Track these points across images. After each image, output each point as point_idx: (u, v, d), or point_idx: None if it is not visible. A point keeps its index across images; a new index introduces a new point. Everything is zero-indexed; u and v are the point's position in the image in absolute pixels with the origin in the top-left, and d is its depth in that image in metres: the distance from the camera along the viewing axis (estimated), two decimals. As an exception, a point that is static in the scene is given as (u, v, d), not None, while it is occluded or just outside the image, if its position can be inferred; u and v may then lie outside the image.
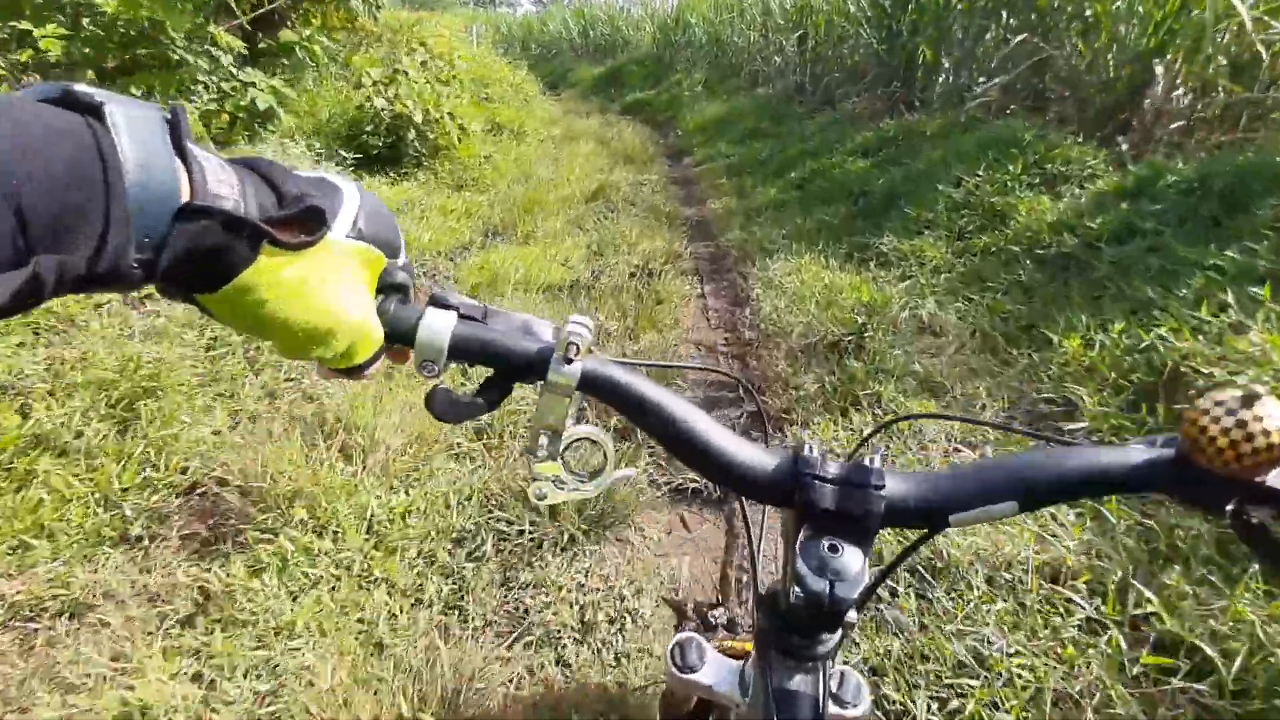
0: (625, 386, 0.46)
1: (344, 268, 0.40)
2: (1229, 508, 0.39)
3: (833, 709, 0.52)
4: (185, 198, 0.31)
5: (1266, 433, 0.36)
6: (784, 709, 0.44)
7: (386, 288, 0.45)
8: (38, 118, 0.27)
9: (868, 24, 7.16)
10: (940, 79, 6.32)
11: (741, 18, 11.89)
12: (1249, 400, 0.37)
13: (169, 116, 0.32)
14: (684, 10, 14.27)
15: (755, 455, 0.46)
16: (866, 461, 0.44)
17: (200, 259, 0.33)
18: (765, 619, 0.48)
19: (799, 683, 0.45)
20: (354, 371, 0.44)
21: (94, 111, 0.29)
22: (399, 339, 0.45)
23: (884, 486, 0.43)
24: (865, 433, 1.34)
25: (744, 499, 0.61)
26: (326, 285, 0.38)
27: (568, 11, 19.33)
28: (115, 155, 0.29)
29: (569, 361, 0.44)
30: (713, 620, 0.87)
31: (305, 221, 0.37)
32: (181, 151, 0.32)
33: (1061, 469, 0.43)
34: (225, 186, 0.33)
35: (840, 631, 0.46)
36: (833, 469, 0.44)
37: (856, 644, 1.52)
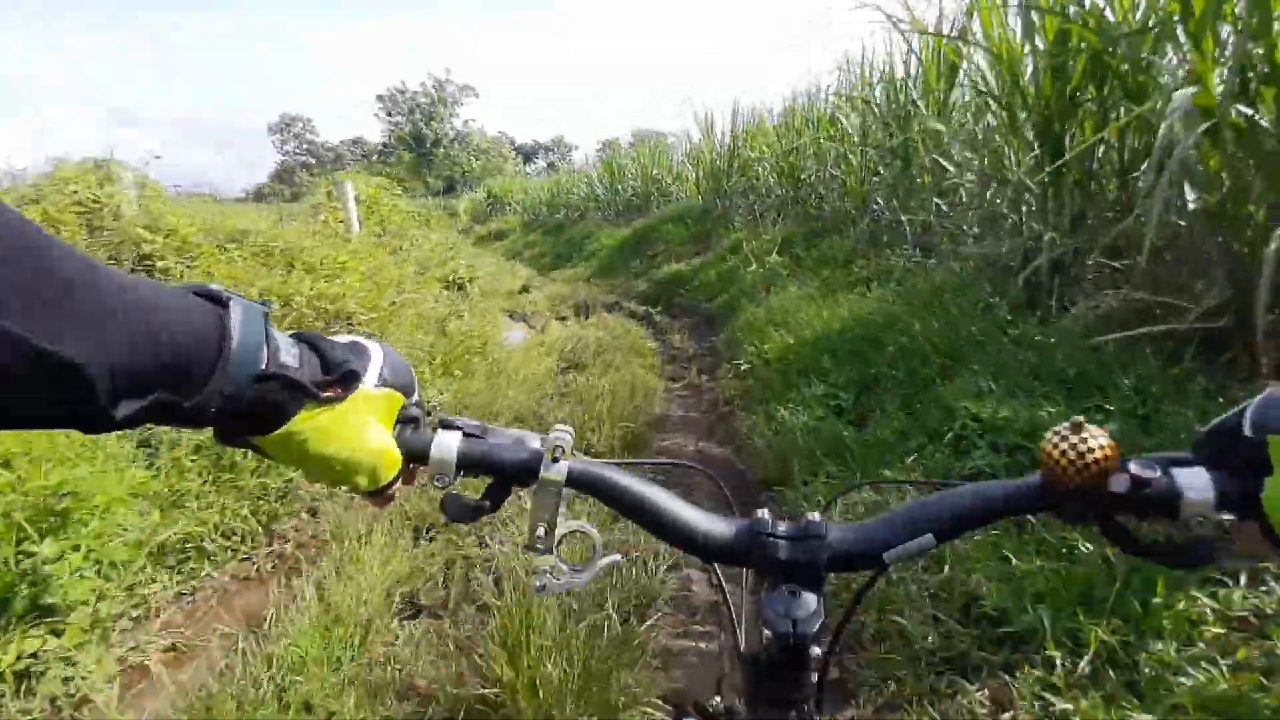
0: (606, 480, 0.52)
1: (369, 410, 0.49)
2: (1097, 516, 0.47)
3: None
4: (264, 366, 0.42)
5: (1091, 450, 0.44)
6: None
7: (403, 420, 0.53)
8: (193, 305, 0.40)
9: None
10: None
11: (841, 140, 6.64)
12: (1076, 428, 0.45)
13: (266, 310, 0.44)
14: (742, 143, 9.26)
15: (719, 525, 0.51)
16: (810, 517, 0.50)
17: (262, 408, 0.43)
18: (747, 677, 0.53)
19: None
20: (381, 493, 0.52)
21: (223, 303, 0.41)
22: (415, 459, 0.52)
23: (826, 536, 0.48)
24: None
25: (719, 576, 0.62)
26: (352, 427, 0.48)
27: (594, 168, 15.10)
28: (230, 335, 0.40)
29: (556, 462, 0.50)
30: (710, 709, 0.86)
31: (343, 381, 0.47)
32: (268, 333, 0.43)
33: (963, 503, 0.49)
34: (291, 358, 0.44)
35: (813, 672, 0.49)
36: (783, 528, 0.50)
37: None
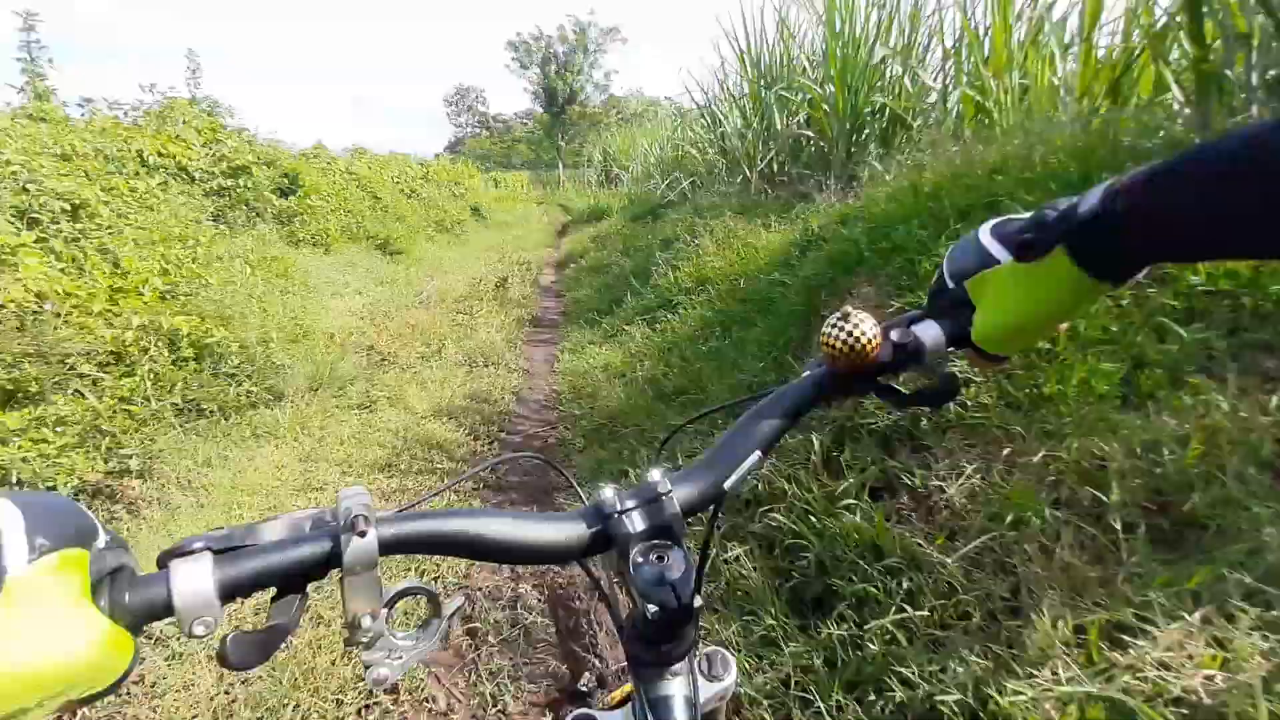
0: (424, 533, 0.42)
1: (39, 602, 0.31)
2: (870, 385, 0.53)
3: (703, 684, 0.55)
4: None
5: (864, 333, 0.49)
6: (662, 711, 0.48)
7: (107, 575, 0.34)
8: None
9: None
10: None
11: None
12: (845, 317, 0.50)
13: None
14: None
15: (566, 526, 0.46)
16: (650, 478, 0.47)
17: None
18: (633, 643, 0.49)
19: (672, 685, 0.48)
20: (112, 688, 0.33)
21: None
22: (155, 617, 0.35)
23: (671, 490, 0.47)
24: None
25: (584, 566, 0.55)
26: (15, 643, 0.29)
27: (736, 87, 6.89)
28: None
29: (363, 536, 0.38)
30: (584, 689, 0.85)
31: None
32: None
33: (774, 414, 0.51)
34: None
35: (694, 623, 0.48)
36: (629, 500, 0.47)
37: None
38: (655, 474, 0.48)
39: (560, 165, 28.60)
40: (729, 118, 6.15)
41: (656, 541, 0.46)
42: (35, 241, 3.00)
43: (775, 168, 5.53)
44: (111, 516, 2.18)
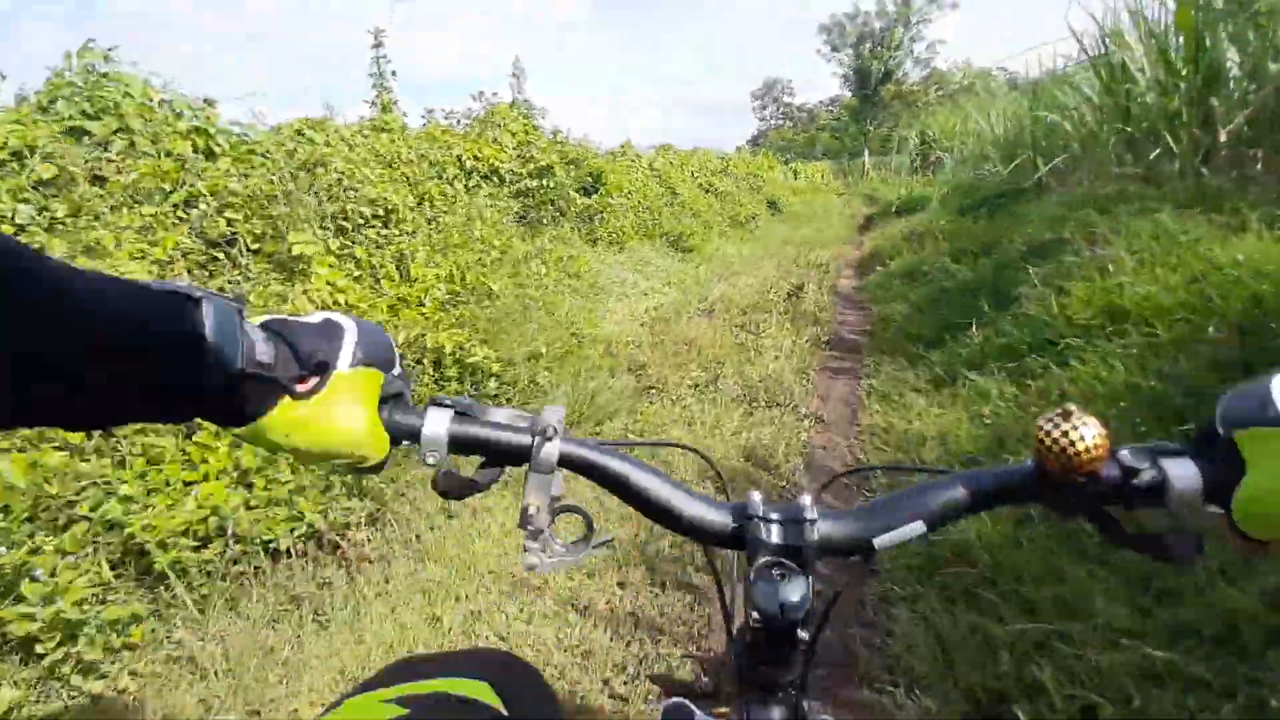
0: (596, 462, 0.49)
1: (349, 395, 0.46)
2: (1086, 505, 0.45)
3: None
4: (240, 365, 0.40)
5: (1082, 438, 0.42)
6: None
7: (388, 397, 0.49)
8: (166, 301, 0.39)
9: None
10: None
11: None
12: (1065, 415, 0.43)
13: (240, 306, 0.42)
14: None
15: (708, 508, 0.49)
16: (799, 501, 0.48)
17: (238, 404, 0.42)
18: (737, 655, 0.51)
19: (774, 713, 0.49)
20: (372, 470, 0.50)
21: (195, 300, 0.39)
22: (405, 437, 0.49)
23: (816, 521, 0.47)
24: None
25: (710, 559, 0.62)
26: (331, 416, 0.45)
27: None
28: (205, 334, 0.38)
29: (549, 441, 0.48)
30: (697, 690, 0.85)
31: (316, 372, 0.45)
32: (243, 330, 0.41)
33: (955, 492, 0.47)
34: (266, 355, 0.42)
35: (801, 656, 0.48)
36: (773, 512, 0.48)
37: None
38: (805, 499, 0.48)
39: (866, 152, 26.38)
40: (1146, 66, 4.27)
41: (784, 560, 0.46)
42: (340, 249, 3.03)
43: (1228, 137, 3.62)
44: (323, 583, 1.88)
